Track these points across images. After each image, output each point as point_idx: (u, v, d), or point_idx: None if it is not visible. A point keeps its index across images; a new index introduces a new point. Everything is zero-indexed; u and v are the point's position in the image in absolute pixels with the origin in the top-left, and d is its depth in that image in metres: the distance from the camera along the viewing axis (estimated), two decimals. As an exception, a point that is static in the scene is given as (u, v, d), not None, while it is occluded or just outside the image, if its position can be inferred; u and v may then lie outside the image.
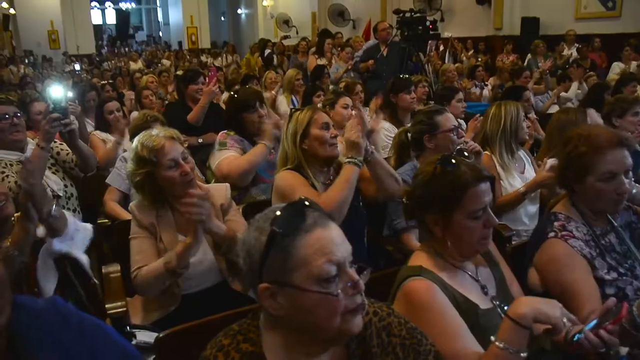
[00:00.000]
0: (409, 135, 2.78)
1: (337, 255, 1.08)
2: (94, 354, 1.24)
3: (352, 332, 1.11)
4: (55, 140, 2.88)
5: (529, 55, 9.24)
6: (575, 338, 1.22)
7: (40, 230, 2.08)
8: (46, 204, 1.99)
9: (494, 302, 1.58)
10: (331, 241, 1.08)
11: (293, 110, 2.45)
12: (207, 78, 4.17)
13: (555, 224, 1.83)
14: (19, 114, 2.81)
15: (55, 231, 2.09)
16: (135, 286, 2.05)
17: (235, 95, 3.23)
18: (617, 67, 7.90)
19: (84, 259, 2.20)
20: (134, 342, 1.92)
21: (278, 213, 1.11)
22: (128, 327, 2.04)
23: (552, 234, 1.80)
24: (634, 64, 7.70)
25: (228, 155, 2.95)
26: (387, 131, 3.86)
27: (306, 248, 1.06)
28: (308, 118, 2.32)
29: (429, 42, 6.65)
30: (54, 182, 2.85)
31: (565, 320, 1.24)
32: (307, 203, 1.14)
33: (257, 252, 1.09)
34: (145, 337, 1.96)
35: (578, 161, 1.80)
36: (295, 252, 1.06)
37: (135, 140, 2.14)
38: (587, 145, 1.78)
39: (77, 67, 11.42)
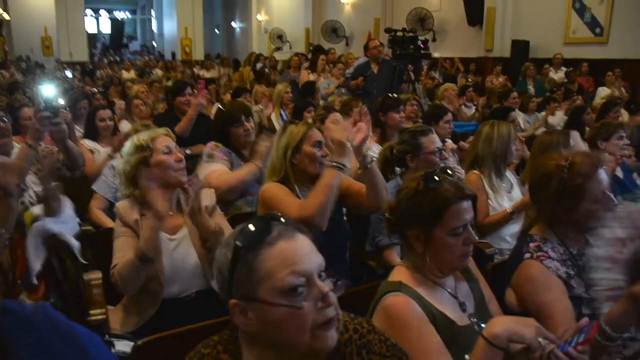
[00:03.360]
0: (394, 151, 2.80)
1: (302, 266, 1.06)
2: None
3: (325, 348, 1.09)
4: (40, 143, 2.87)
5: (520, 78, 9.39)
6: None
7: (37, 209, 2.10)
8: (49, 179, 2.02)
9: (472, 319, 1.59)
10: (295, 253, 1.07)
11: (288, 122, 2.45)
12: (195, 90, 4.19)
13: (531, 244, 1.85)
14: (4, 119, 2.81)
15: (52, 211, 2.11)
16: (114, 282, 2.06)
17: (223, 109, 3.25)
18: (602, 92, 8.06)
19: (74, 242, 2.22)
20: (112, 351, 1.91)
21: (243, 228, 1.11)
22: (107, 336, 2.04)
23: (527, 255, 1.82)
24: (617, 91, 7.87)
25: (216, 168, 2.96)
26: (370, 150, 3.86)
27: (270, 261, 1.05)
28: (302, 134, 2.32)
29: (409, 66, 6.65)
30: (37, 186, 2.83)
31: (540, 339, 1.25)
32: (274, 216, 1.13)
33: (225, 268, 1.09)
34: (124, 346, 1.96)
35: (573, 192, 1.79)
36: (259, 265, 1.06)
37: (133, 136, 2.29)
38: (579, 175, 1.79)
39: (69, 74, 11.38)
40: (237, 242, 1.08)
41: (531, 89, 8.44)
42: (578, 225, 1.87)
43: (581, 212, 1.80)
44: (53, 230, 2.16)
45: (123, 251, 2.10)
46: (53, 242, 2.25)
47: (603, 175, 1.82)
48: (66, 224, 2.22)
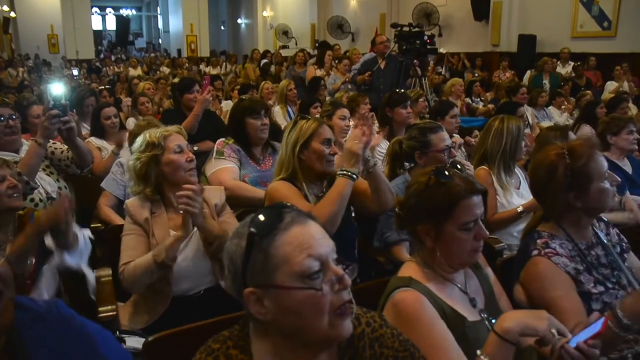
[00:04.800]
0: (403, 146, 2.79)
1: (318, 250, 1.07)
2: (95, 359, 1.24)
3: (341, 336, 1.10)
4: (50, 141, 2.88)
5: (529, 72, 9.33)
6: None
7: (49, 241, 2.11)
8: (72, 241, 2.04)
9: (482, 314, 1.59)
10: (310, 236, 1.08)
11: (299, 117, 2.44)
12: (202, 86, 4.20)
13: (538, 241, 1.83)
14: (14, 117, 2.83)
15: (68, 247, 2.12)
16: (123, 280, 2.07)
17: (243, 100, 3.29)
18: (611, 86, 8.01)
19: (91, 276, 2.22)
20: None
21: (253, 217, 1.11)
22: (117, 332, 2.05)
23: (535, 252, 1.80)
24: (626, 83, 7.81)
25: (225, 167, 2.97)
26: (378, 146, 3.83)
27: (285, 246, 1.06)
28: (312, 130, 2.31)
29: (416, 61, 6.61)
30: (48, 183, 2.85)
31: (554, 330, 1.24)
32: (284, 204, 1.14)
33: (239, 257, 1.09)
34: (135, 342, 1.97)
35: (581, 173, 1.79)
36: (275, 251, 1.06)
37: (144, 132, 2.25)
38: (582, 156, 1.80)
39: (75, 72, 11.42)
40: (252, 229, 1.08)
41: (547, 83, 8.38)
42: (592, 209, 1.86)
43: (593, 192, 1.80)
44: (72, 266, 2.17)
45: (133, 250, 2.10)
46: (69, 274, 2.27)
47: (601, 155, 1.84)
48: (82, 256, 2.23)
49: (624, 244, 1.98)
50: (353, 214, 2.54)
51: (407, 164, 2.80)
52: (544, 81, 8.47)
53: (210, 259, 2.19)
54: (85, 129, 4.43)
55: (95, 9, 24.49)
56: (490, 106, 6.98)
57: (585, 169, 1.79)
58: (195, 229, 2.19)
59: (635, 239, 2.11)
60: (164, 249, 2.00)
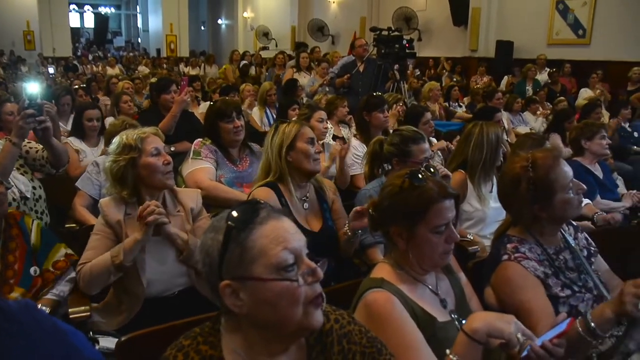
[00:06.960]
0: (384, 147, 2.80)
1: (293, 243, 1.11)
2: (73, 354, 1.23)
3: (313, 326, 1.12)
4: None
5: (506, 77, 9.45)
6: (525, 352, 1.26)
7: None
8: None
9: (452, 315, 1.62)
10: (285, 231, 1.12)
11: (279, 122, 2.49)
12: (179, 87, 4.19)
13: (508, 246, 1.87)
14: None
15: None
16: (78, 280, 2.08)
17: (214, 104, 3.27)
18: (585, 93, 8.17)
19: None
20: (96, 347, 1.91)
21: (229, 213, 1.14)
22: (91, 333, 2.04)
23: (505, 257, 1.84)
24: (599, 90, 7.99)
25: (202, 167, 2.97)
26: (354, 149, 3.84)
27: (262, 239, 1.09)
28: (295, 131, 2.37)
29: (396, 66, 6.65)
30: (22, 183, 2.81)
31: (519, 335, 1.27)
32: (258, 201, 1.18)
33: (215, 250, 1.11)
34: (108, 343, 1.96)
35: (544, 187, 1.82)
36: (251, 244, 1.09)
37: (121, 133, 2.23)
38: (544, 168, 1.84)
39: (51, 70, 11.23)
40: (230, 223, 1.11)
41: (529, 90, 8.50)
42: (557, 219, 1.90)
43: (557, 204, 1.84)
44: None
45: (95, 250, 2.10)
46: None
47: (566, 165, 1.88)
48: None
49: (592, 248, 2.03)
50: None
51: (386, 165, 2.82)
52: (527, 87, 8.60)
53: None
54: (62, 127, 4.37)
55: (72, 6, 24.08)
56: (465, 111, 7.08)
57: (547, 182, 1.83)
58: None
59: (603, 243, 2.16)
60: (122, 251, 2.00)
